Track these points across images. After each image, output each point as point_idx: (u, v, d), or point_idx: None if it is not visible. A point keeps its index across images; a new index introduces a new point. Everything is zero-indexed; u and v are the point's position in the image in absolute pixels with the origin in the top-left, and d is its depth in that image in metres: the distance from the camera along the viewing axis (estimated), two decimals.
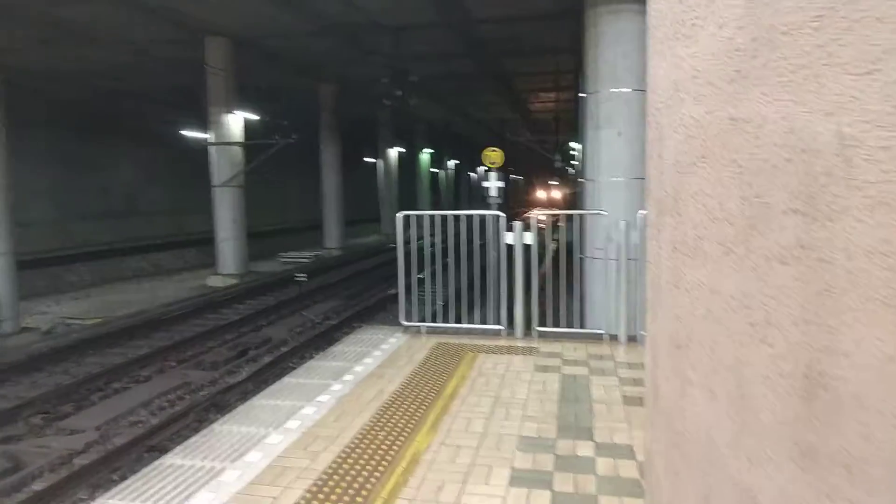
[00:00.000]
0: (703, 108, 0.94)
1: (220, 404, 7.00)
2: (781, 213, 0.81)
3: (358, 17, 12.67)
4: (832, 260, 0.76)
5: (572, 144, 24.75)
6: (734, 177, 0.88)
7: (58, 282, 16.43)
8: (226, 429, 3.50)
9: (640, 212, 5.24)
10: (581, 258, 9.32)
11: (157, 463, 3.10)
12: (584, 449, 3.19)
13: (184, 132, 18.89)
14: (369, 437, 3.34)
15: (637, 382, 4.18)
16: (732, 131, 0.88)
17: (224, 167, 15.48)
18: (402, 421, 3.54)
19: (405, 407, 3.76)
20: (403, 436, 3.34)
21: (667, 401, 1.10)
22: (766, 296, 0.84)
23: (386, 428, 3.45)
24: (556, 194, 44.38)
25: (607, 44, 8.08)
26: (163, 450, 5.81)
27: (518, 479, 2.88)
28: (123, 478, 4.77)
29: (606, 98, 8.22)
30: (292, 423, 3.52)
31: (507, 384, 4.16)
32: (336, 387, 4.13)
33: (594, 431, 3.40)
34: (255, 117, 16.66)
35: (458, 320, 5.85)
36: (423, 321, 5.79)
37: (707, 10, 0.92)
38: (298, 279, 11.99)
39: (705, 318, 0.95)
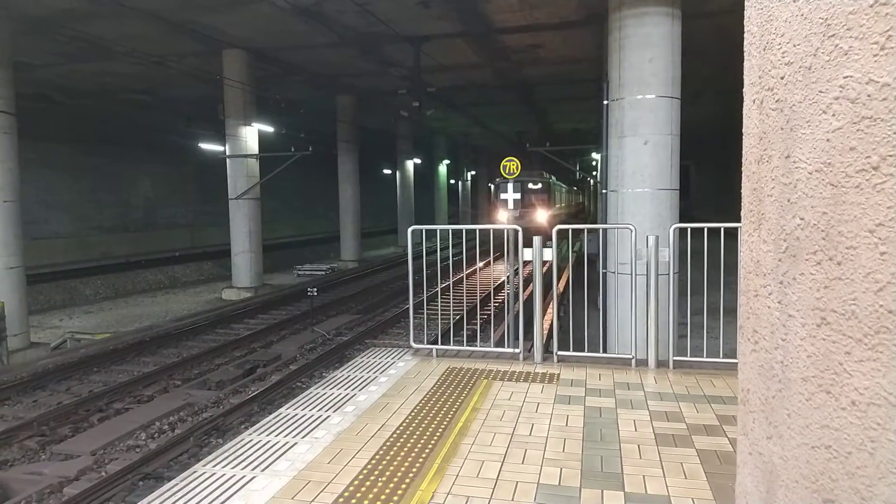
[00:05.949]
0: None
1: (221, 427, 6.66)
2: None
3: (379, 28, 12.43)
4: None
5: (593, 155, 24.25)
6: None
7: (74, 295, 16.37)
8: (208, 470, 3.12)
9: (674, 226, 4.80)
10: (603, 273, 8.88)
11: None
12: (613, 500, 2.76)
13: (202, 145, 18.81)
14: (367, 483, 2.93)
15: (670, 417, 3.72)
16: None
17: (240, 179, 15.30)
18: (406, 463, 3.13)
19: (410, 445, 3.36)
20: (406, 482, 2.93)
21: None
22: None
23: (387, 472, 3.04)
24: (541, 216, 22.39)
25: (633, 48, 7.66)
26: (157, 478, 5.49)
27: None
28: None
29: (631, 105, 7.80)
30: (281, 465, 3.13)
31: (524, 418, 3.73)
32: (335, 420, 3.74)
33: (624, 479, 2.96)
34: (271, 129, 16.49)
35: (473, 340, 5.44)
36: (435, 343, 5.39)
37: None
38: (309, 293, 11.72)
39: None
